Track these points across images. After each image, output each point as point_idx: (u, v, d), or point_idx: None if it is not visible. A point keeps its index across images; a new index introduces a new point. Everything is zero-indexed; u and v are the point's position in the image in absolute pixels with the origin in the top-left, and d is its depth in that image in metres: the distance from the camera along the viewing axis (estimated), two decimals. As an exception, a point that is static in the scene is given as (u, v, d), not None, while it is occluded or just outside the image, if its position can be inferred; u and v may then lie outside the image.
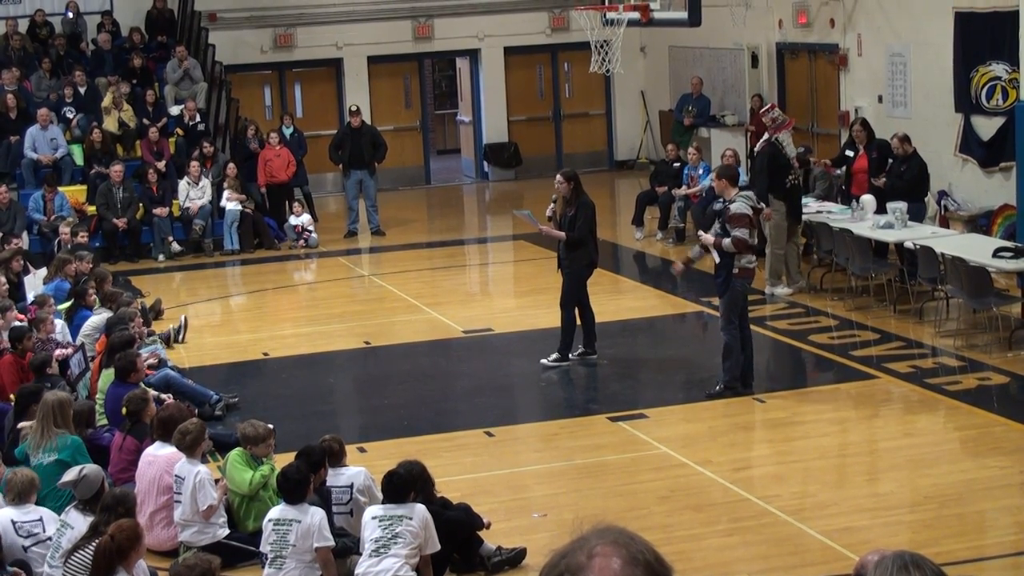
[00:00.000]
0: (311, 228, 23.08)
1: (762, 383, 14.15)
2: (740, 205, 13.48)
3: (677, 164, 22.27)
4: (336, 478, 10.22)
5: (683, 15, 19.46)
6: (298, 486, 9.49)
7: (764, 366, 14.86)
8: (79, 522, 9.44)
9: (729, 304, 13.71)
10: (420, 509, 9.35)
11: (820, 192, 19.54)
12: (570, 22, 27.89)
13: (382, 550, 9.20)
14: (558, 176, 15.16)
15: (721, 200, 13.85)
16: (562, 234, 14.88)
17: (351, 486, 10.18)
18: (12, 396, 12.85)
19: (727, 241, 13.41)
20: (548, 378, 15.03)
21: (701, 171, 21.37)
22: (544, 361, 15.15)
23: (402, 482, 9.44)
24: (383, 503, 9.45)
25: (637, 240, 22.01)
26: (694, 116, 25.55)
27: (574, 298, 15.06)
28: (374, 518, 9.36)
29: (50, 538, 9.56)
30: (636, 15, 20.11)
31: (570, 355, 15.17)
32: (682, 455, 12.26)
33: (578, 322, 15.17)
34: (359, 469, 10.38)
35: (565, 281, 15.08)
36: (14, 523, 9.59)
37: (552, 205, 15.34)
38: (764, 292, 17.69)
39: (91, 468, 9.93)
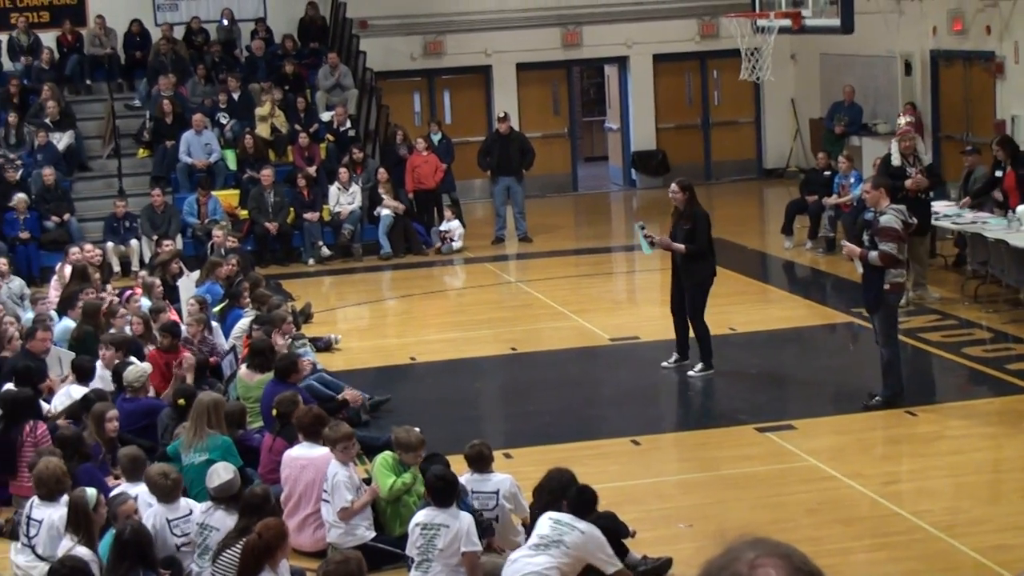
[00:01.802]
0: (454, 235, 23.18)
1: (914, 396, 13.89)
2: (890, 218, 13.22)
3: (828, 173, 22.00)
4: (483, 484, 10.21)
5: (835, 22, 19.19)
6: (450, 489, 9.50)
7: (916, 379, 14.59)
8: (225, 522, 9.57)
9: (885, 319, 13.48)
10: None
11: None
12: (720, 29, 27.70)
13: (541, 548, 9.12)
14: (673, 186, 15.09)
15: (872, 211, 13.61)
16: (681, 247, 14.80)
17: (497, 492, 10.16)
18: (160, 392, 13.11)
19: (873, 255, 13.18)
20: (695, 387, 14.93)
21: (852, 180, 21.07)
22: (691, 373, 15.07)
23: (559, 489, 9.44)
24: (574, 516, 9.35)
25: (786, 249, 21.77)
26: (845, 124, 25.22)
27: (702, 307, 14.97)
28: (548, 519, 9.27)
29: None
30: (787, 22, 19.90)
31: (664, 363, 15.26)
32: (831, 467, 12.08)
33: (691, 333, 15.11)
34: (506, 476, 10.37)
35: (690, 293, 14.97)
36: (169, 521, 9.72)
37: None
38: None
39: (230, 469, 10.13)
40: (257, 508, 9.31)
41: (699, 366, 15.06)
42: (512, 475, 10.52)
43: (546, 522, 9.19)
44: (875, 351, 13.74)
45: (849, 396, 14.00)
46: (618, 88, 30.03)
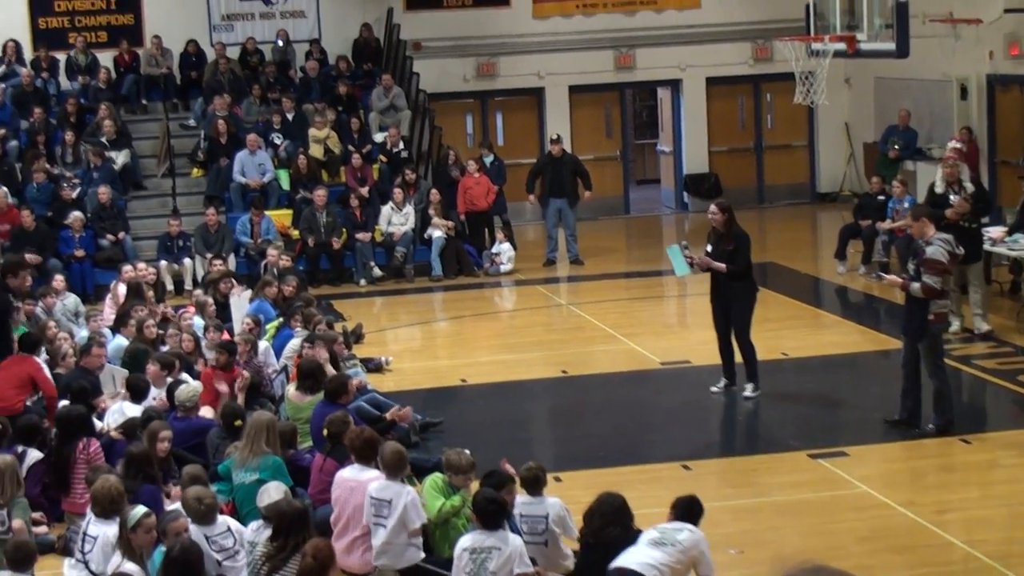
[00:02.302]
0: (504, 258, 23.18)
1: (968, 424, 13.78)
2: (935, 250, 13.11)
3: (882, 197, 21.87)
4: (534, 507, 10.17)
5: (891, 46, 19.08)
6: (499, 512, 9.48)
7: (970, 407, 14.47)
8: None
9: (930, 349, 13.40)
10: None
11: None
12: (774, 53, 27.62)
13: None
14: (712, 207, 15.16)
15: (919, 240, 13.48)
16: (723, 266, 14.79)
17: (547, 516, 10.12)
18: (213, 410, 13.17)
19: (915, 286, 13.11)
20: (746, 412, 14.87)
21: (906, 205, 20.92)
22: (746, 395, 15.03)
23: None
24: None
25: (840, 274, 21.66)
26: (900, 149, 25.08)
27: (748, 327, 15.01)
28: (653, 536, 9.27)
29: (238, 552, 9.70)
30: (842, 46, 19.81)
31: (713, 388, 15.29)
32: (883, 495, 11.98)
33: (737, 357, 15.12)
34: (556, 500, 10.33)
35: (736, 314, 14.97)
36: (207, 538, 9.74)
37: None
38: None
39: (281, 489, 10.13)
40: (294, 527, 9.35)
41: (750, 386, 15.05)
42: (562, 498, 10.48)
43: (652, 532, 9.21)
44: (928, 378, 13.63)
45: (902, 423, 13.86)
46: (671, 111, 30.00)
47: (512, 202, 25.62)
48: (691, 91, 29.27)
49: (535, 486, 10.23)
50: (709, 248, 15.08)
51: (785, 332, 16.82)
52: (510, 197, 25.30)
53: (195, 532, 9.62)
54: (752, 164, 29.89)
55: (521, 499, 10.21)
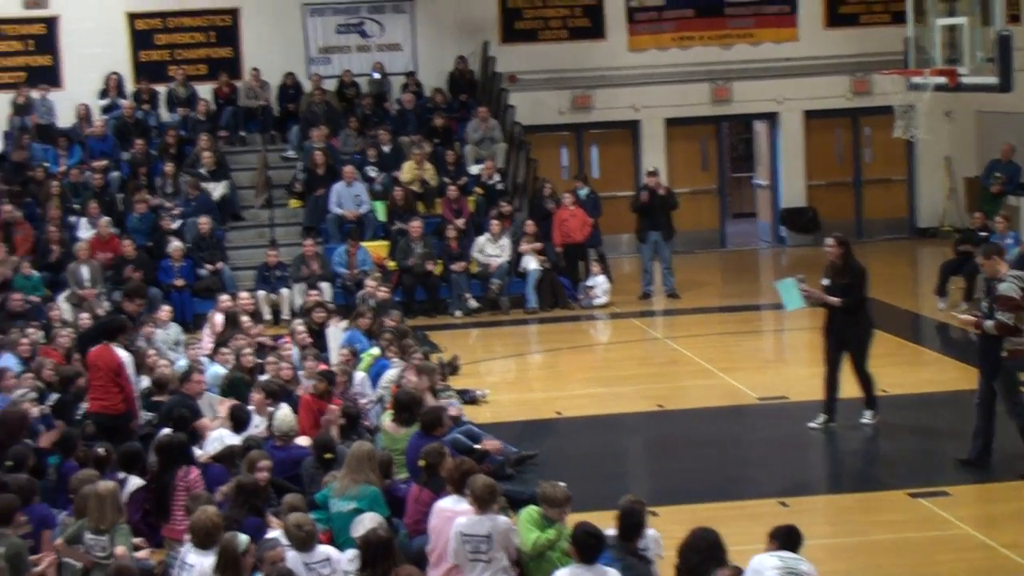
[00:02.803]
0: (600, 290, 23.15)
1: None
2: (1008, 286, 12.96)
3: (984, 233, 21.58)
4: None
5: (993, 80, 18.87)
6: (598, 545, 9.42)
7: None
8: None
9: (1007, 387, 13.29)
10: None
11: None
12: (873, 86, 27.47)
13: None
14: (828, 240, 15.16)
15: (992, 279, 13.34)
16: (837, 300, 14.74)
17: (645, 549, 10.06)
18: (310, 439, 13.24)
19: (989, 324, 12.98)
20: (845, 449, 14.71)
21: (1009, 240, 20.64)
22: (863, 420, 15.06)
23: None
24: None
25: (940, 310, 21.39)
26: (1003, 183, 24.74)
27: (866, 358, 15.03)
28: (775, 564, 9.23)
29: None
30: (943, 80, 19.61)
31: (811, 424, 15.19)
32: (986, 536, 11.79)
33: (842, 393, 15.10)
34: (653, 532, 10.27)
35: (853, 347, 14.95)
36: (306, 565, 9.75)
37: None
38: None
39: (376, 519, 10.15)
40: (379, 556, 9.40)
41: (868, 413, 15.11)
42: (658, 533, 10.41)
43: (773, 560, 9.18)
44: (1008, 417, 13.43)
45: (1004, 463, 13.64)
46: (768, 144, 29.84)
47: (608, 235, 25.58)
48: (788, 124, 29.11)
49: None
50: (825, 282, 15.01)
51: (885, 369, 16.58)
52: (606, 230, 25.27)
53: (294, 559, 9.65)
54: (850, 198, 29.63)
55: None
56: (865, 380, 15.08)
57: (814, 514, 12.99)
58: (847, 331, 14.91)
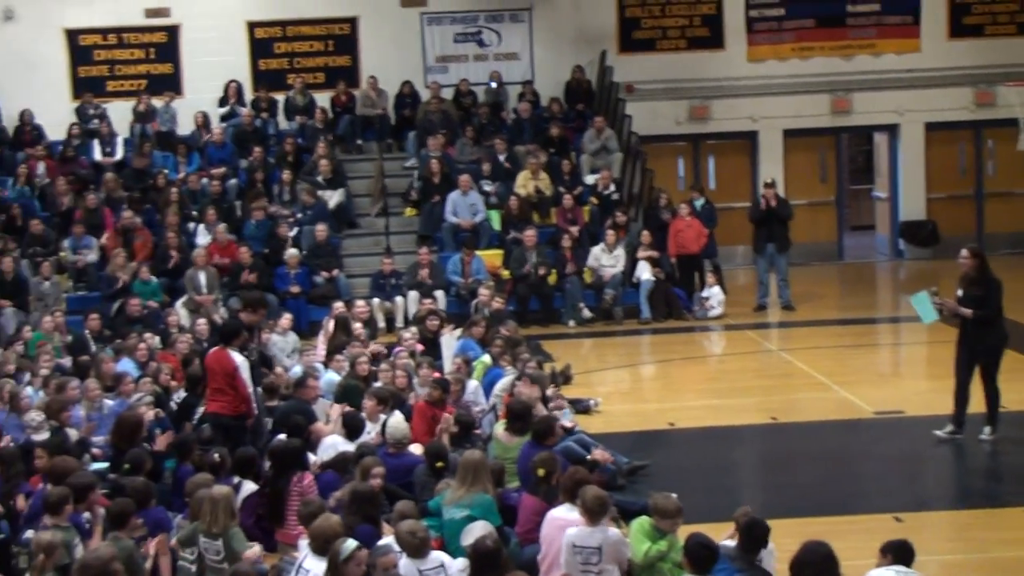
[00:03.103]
0: (714, 301, 23.01)
1: None
2: None
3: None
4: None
5: (1122, 92, 18.52)
6: (711, 557, 9.35)
7: None
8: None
9: None
10: None
11: None
12: (997, 98, 27.04)
13: None
14: (963, 252, 15.03)
15: None
16: (969, 312, 14.61)
17: (760, 560, 9.99)
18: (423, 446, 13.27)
19: None
20: (963, 464, 14.47)
21: None
22: (982, 436, 14.87)
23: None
24: None
25: (1063, 326, 20.99)
26: None
27: (997, 371, 14.92)
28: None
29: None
30: (1070, 91, 19.28)
31: (939, 432, 15.06)
32: (1110, 555, 11.54)
33: (969, 405, 14.92)
34: (769, 545, 10.17)
35: (983, 359, 14.81)
36: (419, 572, 9.77)
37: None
38: None
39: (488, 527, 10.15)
40: (486, 564, 9.45)
41: (988, 429, 14.93)
42: (773, 545, 10.31)
43: (888, 575, 9.10)
44: None
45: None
46: (888, 156, 29.49)
47: (723, 246, 25.43)
48: (909, 136, 28.76)
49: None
50: (960, 293, 14.86)
51: (1007, 385, 16.23)
52: (721, 241, 25.13)
53: (407, 566, 9.68)
54: (972, 212, 29.20)
55: (734, 543, 10.10)
56: (991, 394, 14.92)
57: (931, 530, 12.77)
58: (980, 343, 14.80)
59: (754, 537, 9.83)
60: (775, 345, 21.36)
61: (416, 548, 9.82)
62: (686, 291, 23.52)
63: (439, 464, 12.33)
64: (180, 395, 15.50)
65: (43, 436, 13.48)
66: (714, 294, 23.17)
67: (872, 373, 19.47)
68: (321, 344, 18.48)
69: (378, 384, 15.19)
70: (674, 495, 10.64)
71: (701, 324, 22.79)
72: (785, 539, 10.79)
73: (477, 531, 10.31)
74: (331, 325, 18.60)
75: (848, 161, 31.84)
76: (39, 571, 9.74)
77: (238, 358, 13.65)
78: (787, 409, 16.99)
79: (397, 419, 13.27)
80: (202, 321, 19.30)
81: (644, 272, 23.01)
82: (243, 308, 14.67)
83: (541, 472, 11.36)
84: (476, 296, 21.34)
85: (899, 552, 9.34)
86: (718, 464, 14.98)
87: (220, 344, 13.89)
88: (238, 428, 13.62)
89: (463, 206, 24.18)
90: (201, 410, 14.56)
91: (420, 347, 17.38)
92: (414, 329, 18.32)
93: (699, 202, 24.59)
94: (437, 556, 10.00)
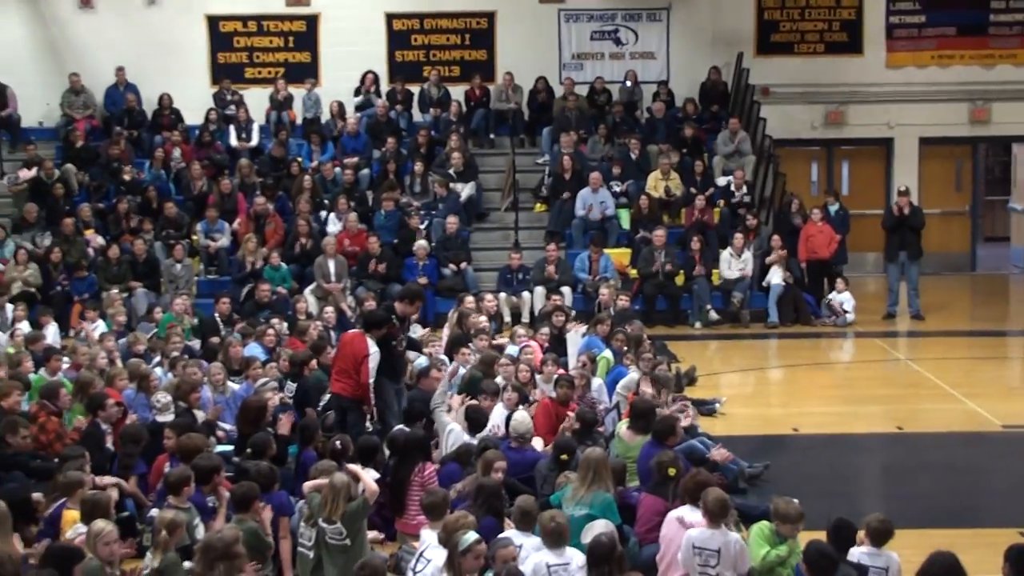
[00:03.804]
0: (848, 307, 22.81)
1: None
2: None
3: None
4: (874, 558, 10.06)
5: None
6: (832, 566, 9.32)
7: None
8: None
9: None
10: None
11: None
12: None
13: None
14: None
15: None
16: None
17: (887, 569, 10.01)
18: (546, 442, 13.32)
19: None
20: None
21: None
22: None
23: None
24: None
25: None
26: None
27: None
28: None
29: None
30: None
31: None
32: None
33: None
34: (894, 554, 10.13)
35: None
36: (548, 566, 9.81)
37: None
38: None
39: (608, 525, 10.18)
40: (602, 560, 9.55)
41: None
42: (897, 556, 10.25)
43: None
44: None
45: None
46: (1026, 167, 29.05)
47: (854, 252, 25.19)
48: (1049, 148, 28.31)
49: (884, 537, 10.16)
50: None
51: None
52: (852, 247, 24.91)
53: (542, 558, 9.80)
54: (1112, 226, 28.69)
55: (863, 550, 10.07)
56: None
57: (1057, 548, 12.57)
58: None
59: (842, 537, 9.85)
60: (903, 354, 21.13)
61: (555, 535, 9.89)
62: (815, 296, 23.33)
63: (564, 456, 12.35)
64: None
65: (168, 417, 13.74)
66: (843, 300, 22.95)
67: (1001, 386, 19.19)
68: (447, 336, 18.59)
69: (499, 378, 15.19)
70: (796, 500, 10.60)
71: (828, 330, 22.59)
72: (905, 549, 10.70)
73: (597, 530, 10.34)
74: (455, 317, 18.70)
75: (984, 171, 31.37)
76: (162, 548, 9.94)
77: (372, 348, 13.83)
78: (913, 419, 16.82)
79: (521, 414, 13.33)
80: (329, 309, 19.51)
81: (775, 276, 22.87)
82: (400, 298, 14.88)
83: (672, 472, 11.35)
84: (600, 295, 21.33)
85: (1021, 558, 9.19)
86: (841, 471, 14.87)
87: (362, 329, 14.12)
88: (356, 412, 13.83)
89: (593, 203, 24.19)
90: (327, 396, 14.75)
91: (536, 344, 17.30)
92: (527, 326, 18.35)
93: (834, 207, 24.36)
94: (570, 554, 10.01)
